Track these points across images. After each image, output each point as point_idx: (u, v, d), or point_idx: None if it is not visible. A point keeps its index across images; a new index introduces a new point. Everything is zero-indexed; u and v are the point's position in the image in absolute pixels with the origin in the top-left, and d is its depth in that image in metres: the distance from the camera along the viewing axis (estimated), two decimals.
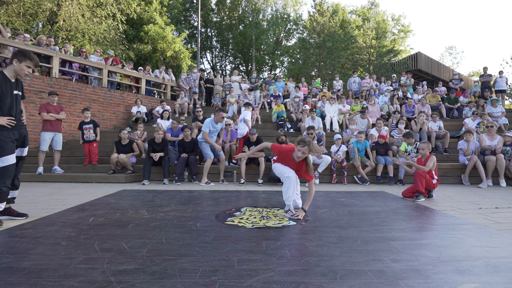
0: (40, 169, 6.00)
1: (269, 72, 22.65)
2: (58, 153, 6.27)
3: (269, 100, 10.91)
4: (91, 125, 6.54)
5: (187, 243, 2.13)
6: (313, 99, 10.22)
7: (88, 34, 13.17)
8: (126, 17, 14.70)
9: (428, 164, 4.20)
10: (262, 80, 12.90)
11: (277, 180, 5.78)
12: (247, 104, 7.44)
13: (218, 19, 22.62)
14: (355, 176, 6.08)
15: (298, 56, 20.79)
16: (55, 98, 6.23)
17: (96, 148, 6.59)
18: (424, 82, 12.54)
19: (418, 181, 4.10)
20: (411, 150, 6.11)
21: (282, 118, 9.20)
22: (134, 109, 9.42)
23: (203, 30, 22.56)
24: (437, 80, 16.88)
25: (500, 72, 11.01)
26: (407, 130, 6.58)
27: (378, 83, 11.53)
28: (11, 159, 2.62)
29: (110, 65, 9.79)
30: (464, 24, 66.78)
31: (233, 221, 2.81)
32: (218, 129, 6.00)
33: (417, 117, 7.58)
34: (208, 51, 24.32)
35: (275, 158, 3.35)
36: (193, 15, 22.34)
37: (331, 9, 22.44)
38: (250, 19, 21.77)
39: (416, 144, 6.15)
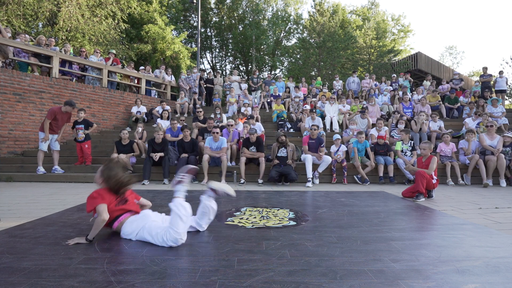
0: (40, 169, 6.00)
1: (269, 72, 22.63)
2: (57, 153, 6.25)
3: (269, 100, 10.90)
4: (82, 126, 6.48)
5: (187, 243, 2.12)
6: (313, 99, 10.21)
7: (88, 34, 13.16)
8: (127, 15, 14.66)
9: (431, 166, 4.20)
10: (262, 80, 12.90)
11: (277, 180, 5.78)
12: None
13: (218, 19, 22.59)
14: (355, 176, 6.08)
15: (298, 56, 20.77)
16: (72, 109, 6.18)
17: (89, 149, 6.53)
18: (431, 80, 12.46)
19: (419, 181, 4.10)
20: (407, 149, 6.12)
21: (282, 118, 9.20)
22: (134, 109, 9.42)
23: (202, 30, 22.53)
24: (438, 80, 16.86)
25: (500, 72, 11.00)
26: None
27: (378, 83, 11.52)
28: None
29: (110, 65, 9.79)
30: (464, 24, 66.76)
31: (233, 221, 2.81)
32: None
33: (417, 117, 7.58)
34: (208, 51, 24.28)
35: None
36: (193, 15, 22.32)
37: (331, 9, 22.42)
38: (250, 19, 21.74)
39: (411, 142, 6.17)
